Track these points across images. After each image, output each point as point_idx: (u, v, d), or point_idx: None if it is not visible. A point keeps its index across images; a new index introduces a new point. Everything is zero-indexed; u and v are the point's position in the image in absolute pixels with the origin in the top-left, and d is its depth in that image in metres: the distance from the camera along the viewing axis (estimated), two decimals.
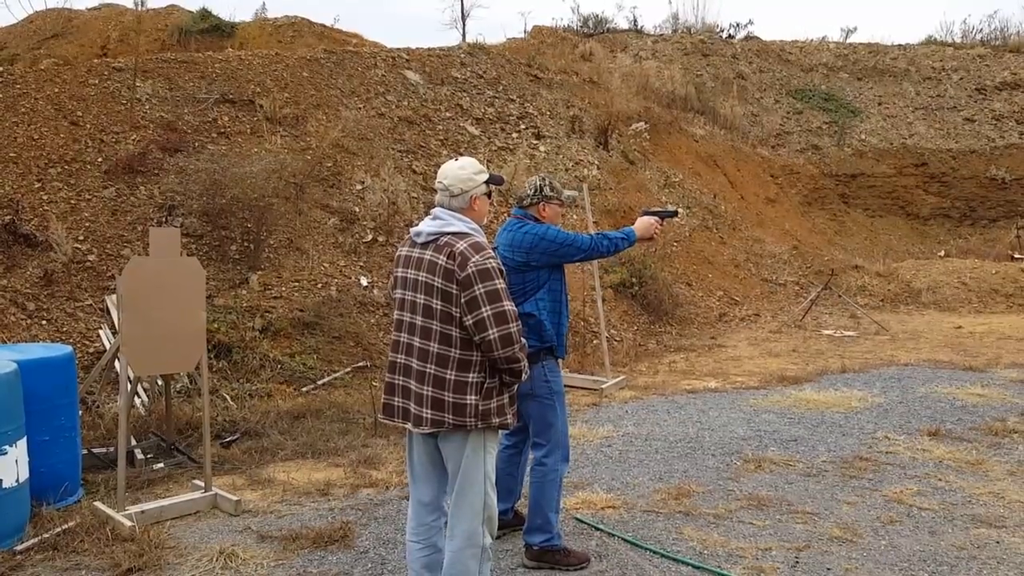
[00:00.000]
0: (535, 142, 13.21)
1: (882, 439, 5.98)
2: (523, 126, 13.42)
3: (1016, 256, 15.81)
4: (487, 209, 3.32)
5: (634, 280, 10.75)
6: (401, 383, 3.21)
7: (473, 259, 3.06)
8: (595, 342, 8.98)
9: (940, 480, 5.11)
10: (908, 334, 10.53)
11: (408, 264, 3.23)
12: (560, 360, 4.20)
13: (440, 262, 3.10)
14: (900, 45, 22.39)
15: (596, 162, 13.45)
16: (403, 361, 3.21)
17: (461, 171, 3.23)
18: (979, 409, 6.78)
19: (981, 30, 23.75)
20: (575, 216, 11.52)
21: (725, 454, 5.74)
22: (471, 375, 3.09)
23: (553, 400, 4.00)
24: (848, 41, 23.28)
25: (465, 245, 3.10)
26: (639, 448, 5.90)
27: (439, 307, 3.11)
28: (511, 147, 12.77)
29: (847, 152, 18.76)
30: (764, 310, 12.16)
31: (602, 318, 8.43)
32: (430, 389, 3.10)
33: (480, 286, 3.04)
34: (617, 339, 9.67)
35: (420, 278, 3.16)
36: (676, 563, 4.01)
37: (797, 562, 3.99)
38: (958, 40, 23.29)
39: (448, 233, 3.15)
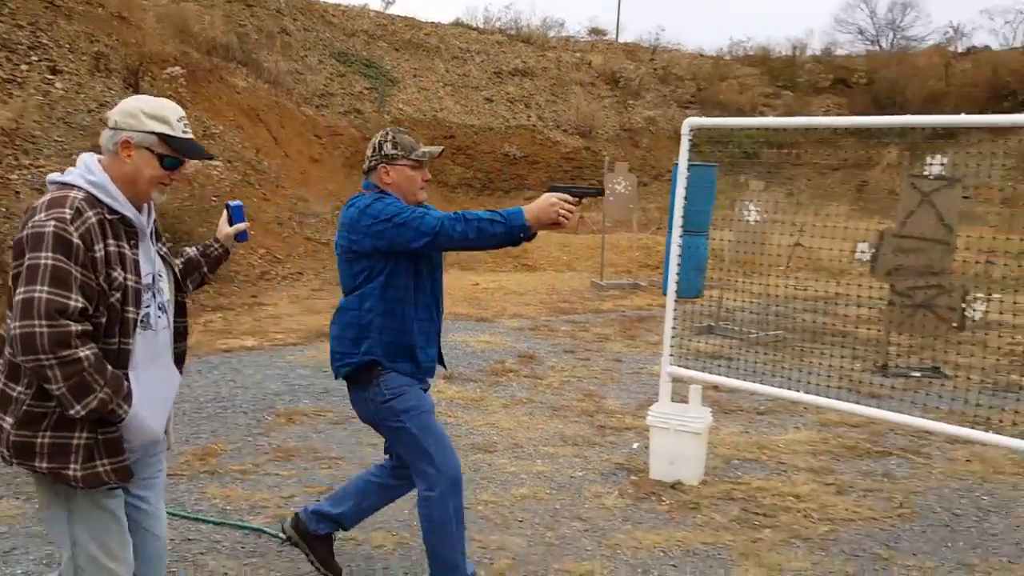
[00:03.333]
0: (50, 77, 11.59)
1: None
2: (35, 58, 11.67)
3: None
4: (151, 175, 2.30)
5: (167, 235, 10.10)
6: None
7: (35, 218, 2.15)
8: None
9: (450, 416, 5.77)
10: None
11: None
12: (422, 371, 3.17)
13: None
14: (433, 23, 24.20)
15: None
16: None
17: (133, 101, 2.33)
18: (486, 354, 7.77)
19: (500, 19, 26.76)
20: None
21: (257, 411, 5.76)
22: (17, 388, 2.20)
23: (400, 420, 3.07)
24: (388, 12, 24.48)
25: (46, 199, 2.21)
26: None
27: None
28: (19, 80, 11.04)
29: (387, 119, 19.79)
30: (307, 269, 12.37)
31: None
32: None
33: (28, 256, 2.11)
34: None
35: None
36: (197, 522, 3.94)
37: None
38: (481, 25, 25.91)
39: (56, 183, 2.28)
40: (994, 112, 22.09)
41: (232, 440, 5.12)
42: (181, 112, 2.37)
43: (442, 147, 3.55)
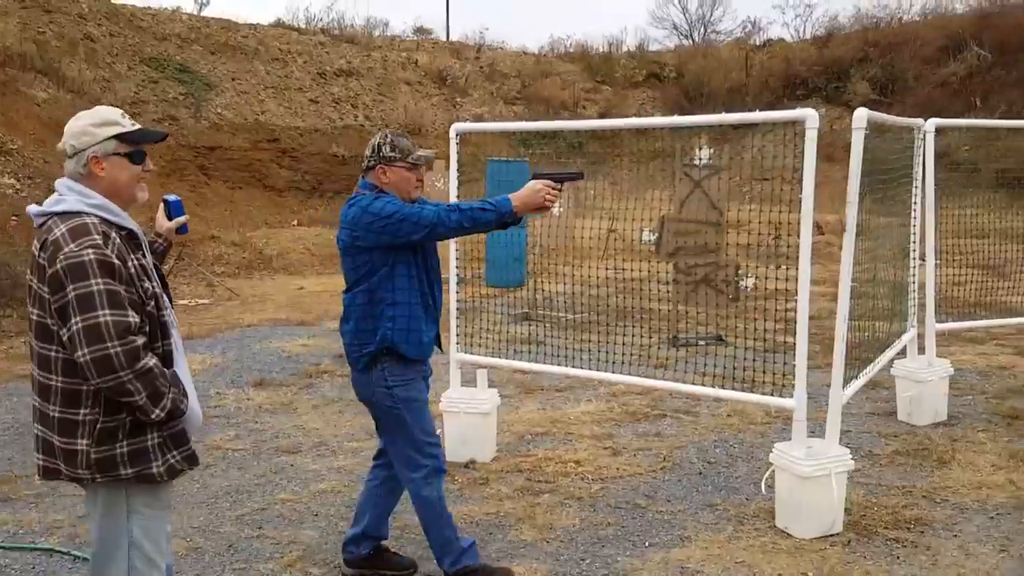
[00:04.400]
0: None
1: (213, 395, 6.57)
2: None
3: None
4: (128, 176, 2.44)
5: None
6: (35, 427, 2.44)
7: (65, 249, 2.25)
8: None
9: (257, 423, 5.89)
10: (257, 297, 11.53)
11: (30, 263, 2.39)
12: (421, 360, 3.46)
13: (36, 256, 2.34)
14: (251, 24, 23.62)
15: None
16: (31, 398, 2.45)
17: (75, 122, 2.41)
18: (301, 357, 7.90)
19: (322, 19, 26.50)
20: None
21: None
22: (81, 411, 2.32)
23: (399, 409, 3.36)
24: (202, 14, 23.70)
25: (63, 230, 2.29)
26: None
27: (35, 318, 2.36)
28: None
29: (204, 125, 19.24)
30: None
31: None
32: (39, 428, 2.40)
33: (71, 287, 2.22)
34: None
35: (29, 280, 2.38)
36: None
37: None
38: (303, 26, 25.55)
39: (54, 213, 2.36)
40: (790, 100, 24.11)
41: (29, 466, 5.04)
42: (118, 109, 2.51)
43: (434, 150, 3.90)
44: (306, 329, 9.27)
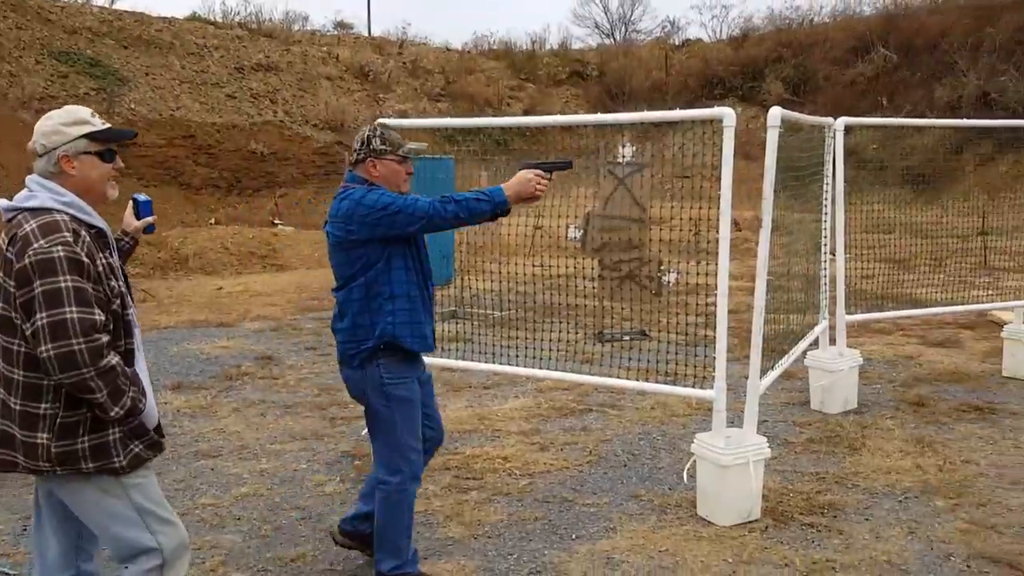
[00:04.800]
0: None
1: None
2: None
3: (275, 222, 17.99)
4: (99, 174, 2.49)
5: None
6: None
7: (35, 245, 2.30)
8: None
9: (176, 427, 5.72)
10: (174, 299, 11.19)
11: None
12: (420, 356, 3.45)
13: (3, 249, 2.39)
14: (165, 18, 22.93)
15: None
16: None
17: (46, 122, 2.46)
18: (221, 359, 7.71)
19: (239, 13, 25.88)
20: None
21: None
22: (42, 405, 2.38)
23: (390, 407, 3.30)
24: (114, 7, 22.89)
25: (34, 226, 2.34)
26: None
27: (0, 311, 2.40)
28: None
29: (117, 121, 18.56)
30: None
31: None
32: (0, 420, 2.45)
33: (39, 283, 2.27)
34: None
35: None
36: None
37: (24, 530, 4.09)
38: (219, 20, 24.92)
39: (24, 209, 2.41)
40: (708, 99, 24.68)
41: None
42: (88, 108, 2.54)
43: (425, 144, 3.82)
44: (226, 330, 9.05)
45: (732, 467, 4.06)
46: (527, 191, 3.25)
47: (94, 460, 2.40)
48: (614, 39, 35.67)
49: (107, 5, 22.87)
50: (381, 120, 3.75)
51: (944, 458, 4.96)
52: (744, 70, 25.56)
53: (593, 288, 9.90)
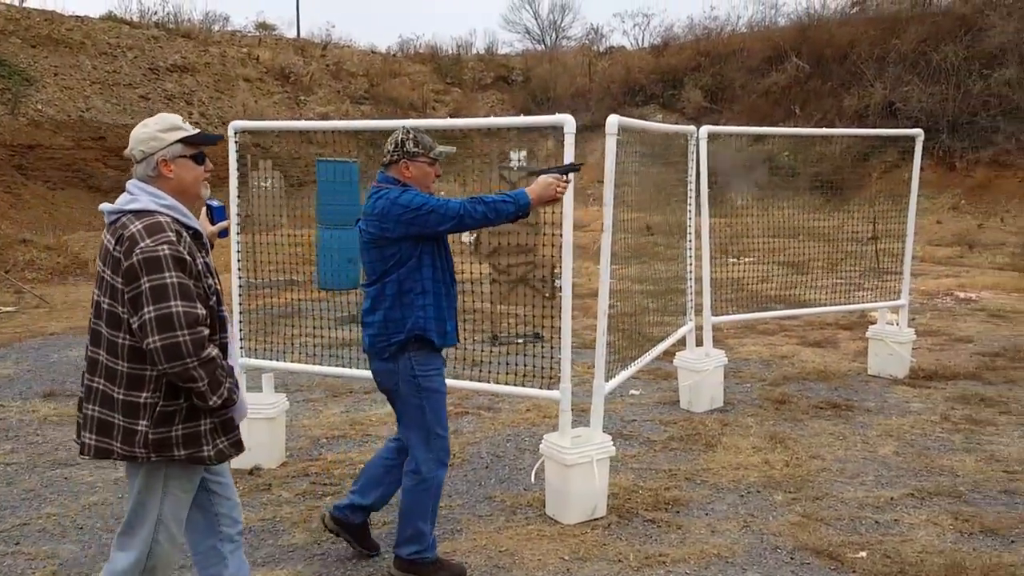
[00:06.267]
0: None
1: None
2: None
3: None
4: (193, 176, 2.65)
5: None
6: (87, 408, 2.61)
7: (141, 244, 2.44)
8: None
9: (38, 436, 5.59)
10: (68, 304, 10.89)
11: (100, 254, 2.60)
12: (444, 349, 3.60)
13: (111, 249, 2.52)
14: (77, 17, 22.31)
15: None
16: (87, 380, 2.62)
17: (142, 129, 2.62)
18: None
19: (156, 12, 25.32)
20: None
21: None
22: (143, 394, 2.51)
23: (421, 398, 3.48)
24: (23, 5, 22.15)
25: (139, 227, 2.48)
26: None
27: (107, 306, 2.54)
28: None
29: (23, 122, 18.01)
30: None
31: None
32: (97, 409, 2.56)
33: (146, 279, 2.42)
34: None
35: (102, 272, 2.57)
36: None
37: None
38: (136, 19, 24.34)
39: (128, 211, 2.54)
40: (630, 106, 25.05)
41: None
42: (178, 115, 2.71)
43: (454, 147, 3.90)
44: None
45: (576, 466, 4.15)
46: (548, 194, 3.49)
47: (186, 448, 2.54)
48: (545, 45, 35.96)
49: (15, 3, 22.12)
50: (407, 123, 3.82)
51: (792, 454, 5.15)
52: (664, 78, 26.03)
53: (488, 292, 9.98)
